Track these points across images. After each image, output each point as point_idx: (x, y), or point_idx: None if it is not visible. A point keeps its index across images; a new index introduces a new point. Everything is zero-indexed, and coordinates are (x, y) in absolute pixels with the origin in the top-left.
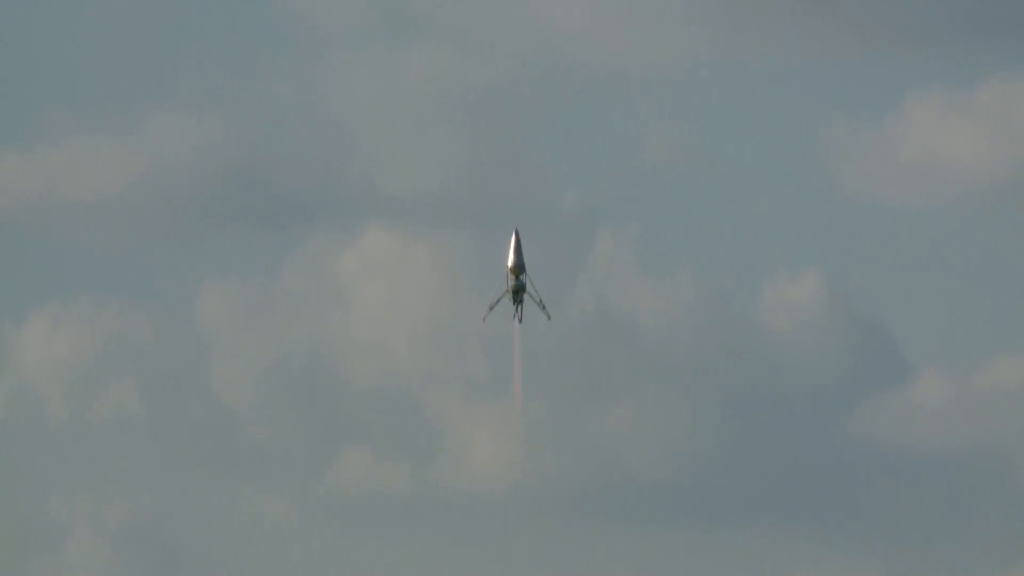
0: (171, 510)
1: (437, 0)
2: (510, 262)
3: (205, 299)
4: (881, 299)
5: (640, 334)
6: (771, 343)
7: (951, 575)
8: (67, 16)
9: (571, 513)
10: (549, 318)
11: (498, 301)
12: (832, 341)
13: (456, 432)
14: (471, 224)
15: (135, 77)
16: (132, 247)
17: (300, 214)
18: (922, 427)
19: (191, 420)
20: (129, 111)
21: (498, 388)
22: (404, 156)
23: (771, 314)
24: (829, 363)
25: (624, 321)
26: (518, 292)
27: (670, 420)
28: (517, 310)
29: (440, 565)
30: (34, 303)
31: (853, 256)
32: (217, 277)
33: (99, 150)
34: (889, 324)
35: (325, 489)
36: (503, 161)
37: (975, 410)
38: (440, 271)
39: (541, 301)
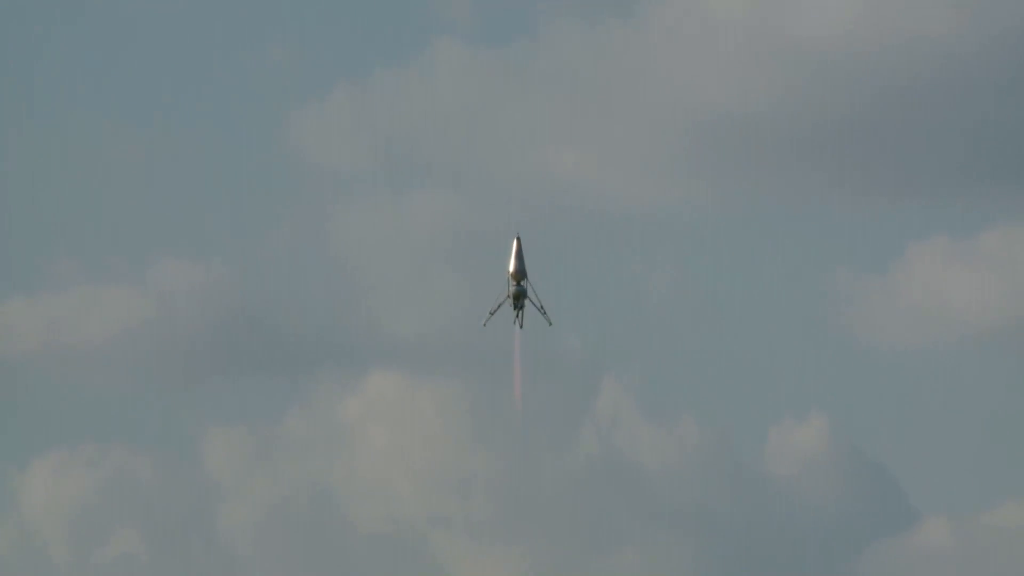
0: None
1: (440, 145)
2: (511, 267)
3: (210, 445)
4: (886, 445)
5: (645, 480)
6: (776, 489)
7: None
8: (71, 163)
9: None
10: (550, 324)
11: (499, 307)
12: (837, 487)
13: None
14: (475, 369)
15: (137, 223)
16: (136, 393)
17: (304, 360)
18: (928, 574)
19: (196, 567)
20: (132, 257)
21: (504, 532)
22: (408, 301)
23: (776, 460)
24: (834, 509)
25: (629, 467)
26: (519, 298)
27: (675, 566)
28: (518, 316)
29: None
30: (38, 449)
31: (858, 402)
32: (222, 423)
33: (103, 296)
34: (894, 470)
35: None
36: (506, 309)
37: (981, 556)
38: (444, 416)
39: (542, 307)
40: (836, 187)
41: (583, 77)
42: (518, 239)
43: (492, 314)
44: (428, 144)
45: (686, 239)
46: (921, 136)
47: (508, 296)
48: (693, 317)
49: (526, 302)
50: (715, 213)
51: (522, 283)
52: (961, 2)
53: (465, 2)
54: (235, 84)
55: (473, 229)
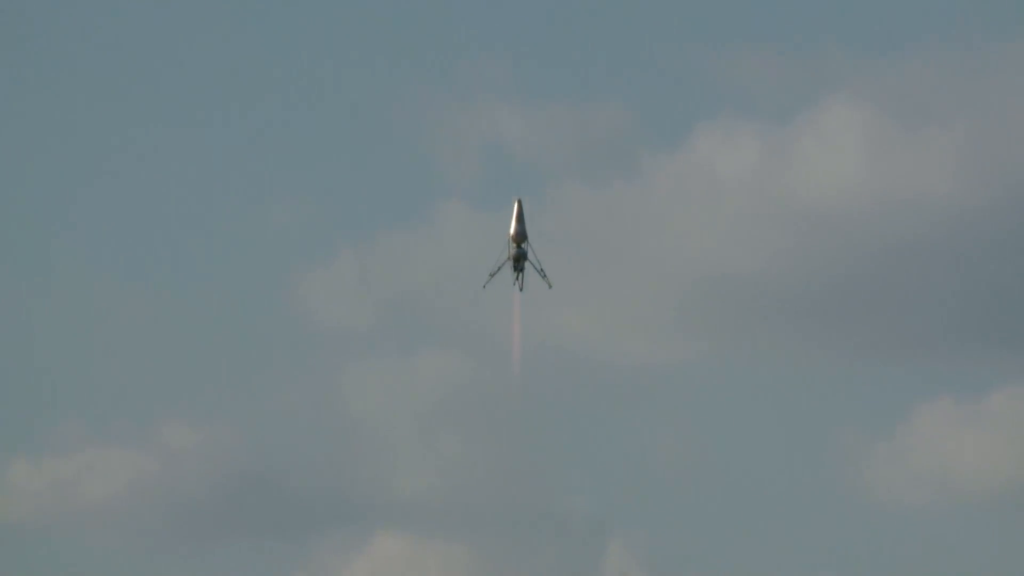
0: None
1: (444, 307)
2: (512, 230)
3: None
4: None
5: None
6: None
7: None
8: (76, 325)
9: None
10: (550, 287)
11: (499, 269)
12: None
13: None
14: (481, 531)
15: (143, 386)
16: (141, 556)
17: (310, 521)
18: None
19: None
20: (137, 419)
21: None
22: (413, 463)
23: None
24: None
25: None
26: (519, 260)
27: None
28: (518, 278)
29: None
30: None
31: (864, 565)
32: None
33: (108, 459)
34: None
35: None
36: (512, 468)
37: None
38: None
39: (542, 269)
40: (841, 348)
41: (587, 237)
42: (519, 202)
43: (492, 276)
44: (434, 305)
45: (691, 399)
46: (925, 297)
47: (509, 258)
48: (698, 478)
49: (526, 264)
50: (721, 373)
51: (522, 245)
52: (964, 163)
53: (471, 164)
54: (243, 243)
55: (478, 390)
